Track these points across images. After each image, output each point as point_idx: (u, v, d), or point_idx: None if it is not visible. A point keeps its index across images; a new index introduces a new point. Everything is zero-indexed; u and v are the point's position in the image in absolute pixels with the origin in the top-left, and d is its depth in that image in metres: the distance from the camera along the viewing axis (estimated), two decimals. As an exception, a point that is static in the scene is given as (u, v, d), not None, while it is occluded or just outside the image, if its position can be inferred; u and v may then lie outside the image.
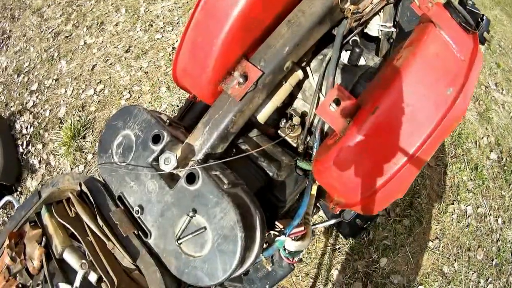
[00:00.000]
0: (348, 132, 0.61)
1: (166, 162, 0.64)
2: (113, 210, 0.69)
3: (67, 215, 0.76)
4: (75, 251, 0.71)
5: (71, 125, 2.50)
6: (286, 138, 0.86)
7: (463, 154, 2.38)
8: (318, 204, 1.30)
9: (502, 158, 2.58)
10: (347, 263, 1.87)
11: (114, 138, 0.77)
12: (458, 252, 2.11)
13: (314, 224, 1.23)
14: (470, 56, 0.64)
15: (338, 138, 0.63)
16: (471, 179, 2.33)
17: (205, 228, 0.60)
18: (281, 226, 0.80)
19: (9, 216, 2.41)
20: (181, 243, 0.61)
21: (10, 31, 4.48)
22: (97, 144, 0.79)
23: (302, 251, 0.85)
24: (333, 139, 0.65)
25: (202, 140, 0.70)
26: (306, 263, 1.86)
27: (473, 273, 2.08)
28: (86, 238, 0.71)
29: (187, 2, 2.84)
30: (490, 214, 2.30)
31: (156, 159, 0.68)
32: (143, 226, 0.66)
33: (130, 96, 2.48)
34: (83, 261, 0.67)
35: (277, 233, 0.78)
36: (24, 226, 0.80)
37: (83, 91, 2.71)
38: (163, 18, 2.86)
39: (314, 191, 0.84)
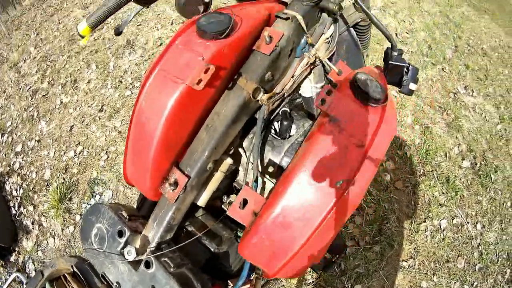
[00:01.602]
0: (253, 227, 0.78)
1: (129, 254, 0.84)
2: (99, 286, 0.92)
3: None
4: None
5: (57, 188, 2.73)
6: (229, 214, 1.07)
7: (432, 170, 2.56)
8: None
9: (476, 164, 2.74)
10: (321, 295, 2.08)
11: (91, 230, 0.96)
12: (436, 266, 2.28)
13: None
14: (372, 135, 0.75)
15: (248, 229, 0.81)
16: (442, 193, 2.50)
17: None
18: (231, 284, 1.00)
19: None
20: None
21: None
22: (79, 230, 1.02)
23: None
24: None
25: (153, 232, 0.89)
26: (282, 299, 2.08)
27: (455, 282, 2.23)
28: None
29: (152, 54, 3.07)
30: (468, 222, 2.45)
31: (123, 248, 0.88)
32: None
33: (108, 157, 2.70)
34: None
35: None
36: None
37: (64, 153, 2.95)
38: (131, 73, 3.09)
39: None
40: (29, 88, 3.84)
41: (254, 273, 1.04)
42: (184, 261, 0.89)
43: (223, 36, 0.81)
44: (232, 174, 1.06)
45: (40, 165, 3.05)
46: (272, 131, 1.04)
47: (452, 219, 2.44)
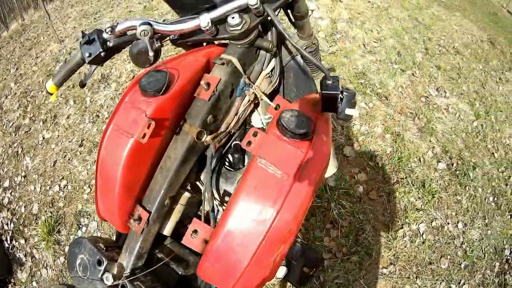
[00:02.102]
0: (204, 252, 0.90)
1: (107, 279, 0.96)
2: None
3: None
4: None
5: (45, 221, 2.83)
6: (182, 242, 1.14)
7: (406, 177, 2.66)
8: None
9: (453, 164, 2.84)
10: (301, 308, 2.17)
11: (75, 260, 1.08)
12: (419, 269, 2.35)
13: None
14: (297, 169, 0.84)
15: (202, 254, 0.92)
16: (418, 198, 2.60)
17: None
18: None
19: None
20: None
21: None
22: (66, 261, 1.15)
23: None
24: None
25: (126, 260, 1.01)
26: (265, 315, 2.18)
27: (441, 282, 2.31)
28: None
29: (126, 87, 3.19)
30: (448, 223, 2.53)
31: (103, 274, 1.00)
32: None
33: (91, 190, 2.82)
34: None
35: None
36: None
37: (49, 188, 3.06)
38: (107, 107, 3.22)
39: None
40: (12, 124, 3.95)
41: None
42: (155, 284, 1.01)
43: (160, 93, 0.92)
44: (198, 203, 1.17)
45: (28, 200, 3.15)
46: (227, 163, 1.15)
47: (431, 222, 2.51)
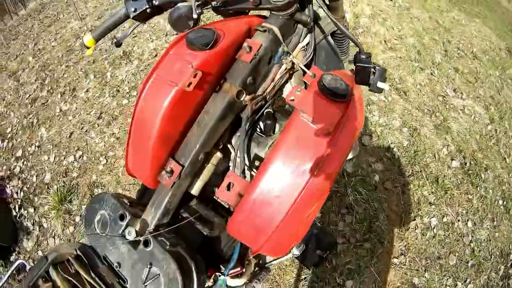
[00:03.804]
0: (238, 206, 0.92)
1: (129, 234, 0.97)
2: (101, 267, 1.04)
3: (69, 272, 1.11)
4: None
5: (57, 190, 2.86)
6: (219, 200, 1.12)
7: (420, 171, 2.69)
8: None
9: (466, 163, 2.87)
10: (313, 290, 2.19)
11: (94, 217, 1.09)
12: (428, 263, 2.38)
13: (269, 262, 1.50)
14: (336, 125, 0.87)
15: (234, 209, 0.94)
16: (432, 192, 2.63)
17: (158, 274, 0.94)
18: (223, 269, 1.13)
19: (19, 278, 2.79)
20: (146, 285, 0.95)
21: None
22: (83, 219, 1.13)
23: (241, 286, 1.19)
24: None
25: (151, 216, 1.02)
26: (276, 294, 2.20)
27: (448, 278, 2.33)
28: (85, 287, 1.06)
29: (148, 65, 3.23)
30: (458, 220, 2.56)
31: (124, 230, 1.00)
32: (121, 276, 1.01)
33: (107, 162, 2.84)
34: None
35: (220, 274, 1.11)
36: (38, 281, 1.12)
37: (64, 158, 3.08)
38: (128, 82, 3.25)
39: None
40: (29, 96, 3.98)
41: (245, 260, 1.18)
42: (179, 242, 1.02)
43: (208, 47, 0.95)
44: (223, 171, 1.19)
45: (40, 169, 3.18)
46: (258, 130, 1.18)
47: (443, 217, 2.54)
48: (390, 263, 2.33)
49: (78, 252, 1.12)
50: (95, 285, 1.05)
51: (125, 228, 0.99)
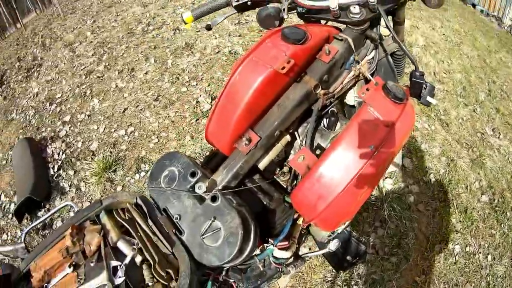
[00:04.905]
0: (305, 176, 1.04)
1: (199, 188, 1.07)
2: (160, 217, 1.10)
3: (123, 219, 1.15)
4: (127, 241, 1.10)
5: (103, 158, 3.03)
6: (279, 180, 1.29)
7: (452, 199, 2.80)
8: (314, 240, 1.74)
9: (494, 200, 2.95)
10: (337, 294, 2.30)
11: (162, 172, 1.20)
12: (446, 287, 2.51)
13: (305, 253, 1.56)
14: (394, 121, 1.03)
15: (301, 178, 1.07)
16: (459, 221, 2.73)
17: (219, 228, 1.03)
18: (272, 241, 1.25)
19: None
20: (203, 238, 1.04)
21: (41, 58, 5.09)
22: (149, 173, 1.23)
23: (285, 258, 1.32)
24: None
25: (222, 177, 1.13)
26: (302, 291, 2.34)
27: None
28: (137, 233, 1.10)
29: (210, 59, 3.41)
30: (480, 252, 2.63)
31: (192, 187, 1.11)
32: (179, 227, 1.09)
33: (158, 141, 3.01)
34: (133, 247, 1.07)
35: (270, 244, 1.24)
36: (84, 223, 1.16)
37: (114, 131, 3.26)
38: (188, 72, 3.43)
39: (301, 221, 1.30)
40: (84, 68, 4.18)
41: (291, 239, 1.31)
42: (243, 204, 1.12)
43: (300, 42, 1.12)
44: (281, 161, 1.33)
45: (87, 137, 3.36)
46: (322, 124, 1.32)
47: (466, 247, 2.62)
48: (411, 280, 2.42)
49: (139, 201, 1.19)
50: (149, 233, 1.11)
51: (195, 184, 1.10)
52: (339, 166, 1.01)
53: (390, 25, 1.24)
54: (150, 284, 1.04)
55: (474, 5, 6.87)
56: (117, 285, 1.02)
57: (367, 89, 1.09)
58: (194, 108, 3.22)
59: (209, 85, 3.48)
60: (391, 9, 1.32)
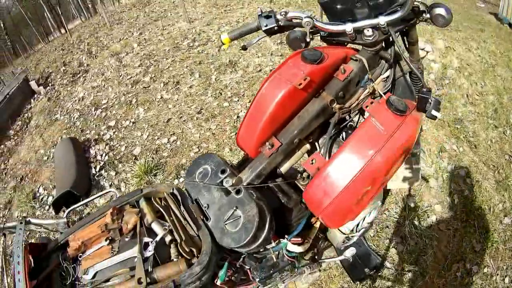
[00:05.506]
0: (315, 176, 1.21)
1: (227, 183, 1.25)
2: (191, 205, 1.29)
3: (160, 205, 1.32)
4: (160, 224, 1.27)
5: (145, 162, 3.28)
6: (298, 184, 1.41)
7: (474, 220, 2.87)
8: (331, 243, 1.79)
9: (517, 222, 3.03)
10: (352, 304, 2.42)
11: (197, 169, 1.40)
12: None
13: (322, 259, 1.72)
14: (393, 131, 1.16)
15: (311, 178, 1.24)
16: (479, 242, 2.75)
17: (240, 216, 1.19)
18: (286, 236, 1.39)
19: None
20: (226, 224, 1.21)
21: (87, 65, 5.45)
22: (186, 170, 1.37)
23: (297, 253, 1.44)
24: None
25: (247, 175, 1.31)
26: (318, 298, 2.48)
27: None
28: (170, 218, 1.28)
29: (252, 77, 3.62)
30: (497, 274, 2.63)
31: (221, 182, 1.29)
32: (207, 214, 1.27)
33: (199, 151, 3.26)
34: (165, 227, 1.25)
35: (285, 238, 1.37)
36: (125, 206, 1.33)
37: (157, 138, 3.54)
38: (231, 88, 3.67)
39: (317, 224, 1.46)
40: (130, 78, 4.48)
41: (305, 238, 1.45)
42: (262, 199, 1.28)
43: (316, 62, 1.28)
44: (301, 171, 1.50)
45: (131, 142, 3.63)
46: (340, 137, 1.50)
47: (484, 268, 2.66)
48: (426, 298, 2.53)
49: (175, 191, 1.37)
50: (180, 217, 1.28)
51: (224, 179, 1.28)
52: (342, 167, 1.17)
53: (401, 45, 1.38)
54: (175, 260, 1.18)
55: (510, 25, 6.78)
56: (146, 257, 1.18)
57: (371, 102, 1.26)
58: (234, 123, 3.45)
59: (249, 101, 3.64)
60: (403, 30, 1.41)
